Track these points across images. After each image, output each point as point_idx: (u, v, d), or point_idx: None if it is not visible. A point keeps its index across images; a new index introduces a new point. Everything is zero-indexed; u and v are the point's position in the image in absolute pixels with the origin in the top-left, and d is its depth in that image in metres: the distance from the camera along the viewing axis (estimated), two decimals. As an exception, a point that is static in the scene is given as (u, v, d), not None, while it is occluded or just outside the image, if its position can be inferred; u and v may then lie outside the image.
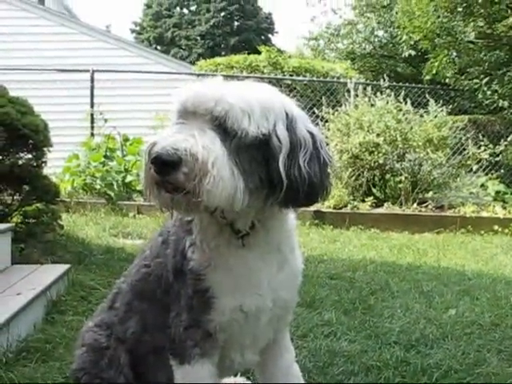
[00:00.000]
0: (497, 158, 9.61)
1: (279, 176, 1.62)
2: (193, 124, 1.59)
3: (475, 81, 10.29)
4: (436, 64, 10.90)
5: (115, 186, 8.40)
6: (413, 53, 12.52)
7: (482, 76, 10.38)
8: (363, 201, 8.45)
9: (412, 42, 12.25)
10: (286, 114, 1.68)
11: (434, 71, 10.98)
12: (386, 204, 8.47)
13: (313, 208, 7.58)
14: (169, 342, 1.90)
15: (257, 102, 1.63)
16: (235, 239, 1.81)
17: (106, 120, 9.70)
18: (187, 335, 1.85)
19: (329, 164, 1.72)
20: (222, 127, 1.59)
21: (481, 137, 9.62)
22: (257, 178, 1.64)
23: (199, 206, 1.57)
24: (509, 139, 9.60)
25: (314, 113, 9.21)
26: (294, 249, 1.96)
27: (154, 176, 1.56)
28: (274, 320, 1.95)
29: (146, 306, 2.02)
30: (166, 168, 1.52)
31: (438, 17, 10.81)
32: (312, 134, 1.70)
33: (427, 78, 11.33)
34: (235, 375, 2.54)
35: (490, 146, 9.41)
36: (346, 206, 8.25)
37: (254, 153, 1.63)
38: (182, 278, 1.85)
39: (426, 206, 8.43)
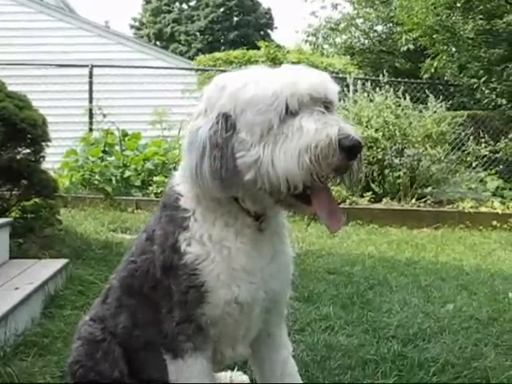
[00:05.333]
0: (497, 155, 9.58)
1: None
2: (322, 110, 1.73)
3: (474, 80, 10.27)
4: (435, 64, 10.88)
5: (114, 181, 8.41)
6: (411, 47, 12.51)
7: (480, 72, 10.36)
8: (362, 196, 8.46)
9: (411, 39, 12.26)
10: None
11: (433, 70, 10.96)
12: (384, 199, 8.47)
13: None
14: (161, 337, 1.91)
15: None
16: (247, 229, 1.85)
17: (104, 115, 9.69)
18: (179, 330, 1.86)
19: None
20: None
21: (480, 132, 9.61)
22: None
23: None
24: (510, 136, 9.58)
25: (312, 108, 9.16)
26: (287, 236, 2.04)
27: (338, 162, 1.66)
28: (264, 311, 1.96)
29: (134, 302, 2.02)
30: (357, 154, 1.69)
31: (438, 15, 10.79)
32: None
33: (426, 75, 11.31)
34: (232, 369, 2.54)
35: (491, 142, 9.40)
36: (344, 201, 8.23)
37: None
38: (172, 274, 1.85)
39: (425, 202, 8.43)
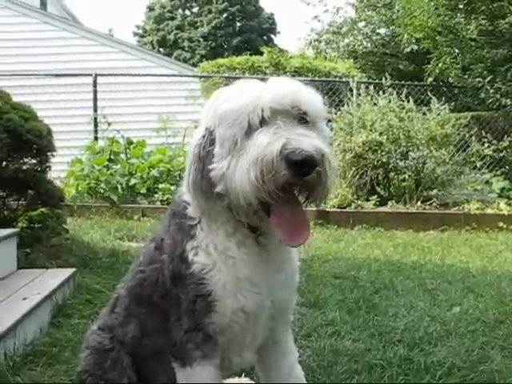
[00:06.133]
0: (501, 154, 9.57)
1: None
2: (291, 123, 1.69)
3: (478, 79, 10.24)
4: (439, 65, 10.86)
5: (119, 190, 8.42)
6: (415, 47, 12.50)
7: (484, 73, 10.33)
8: (367, 200, 8.46)
9: (414, 40, 12.26)
10: None
11: (437, 71, 10.93)
12: (390, 202, 8.46)
13: (317, 207, 7.60)
14: (170, 346, 1.92)
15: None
16: (248, 240, 1.86)
17: (109, 124, 9.72)
18: (188, 338, 1.88)
19: None
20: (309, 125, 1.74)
21: (484, 133, 9.59)
22: None
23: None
24: (512, 134, 9.56)
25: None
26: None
27: (284, 178, 1.62)
28: (270, 319, 1.98)
29: (143, 311, 2.05)
30: (310, 169, 1.62)
31: (439, 15, 10.78)
32: None
33: (430, 79, 11.28)
34: (239, 375, 2.56)
35: (494, 142, 9.40)
36: (350, 205, 8.26)
37: None
38: (181, 283, 1.87)
39: (431, 204, 8.42)
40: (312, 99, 1.78)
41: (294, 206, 1.74)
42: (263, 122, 1.68)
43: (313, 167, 1.61)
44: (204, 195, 1.78)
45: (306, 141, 1.62)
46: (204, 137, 1.79)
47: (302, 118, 1.73)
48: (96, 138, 10.28)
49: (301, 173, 1.61)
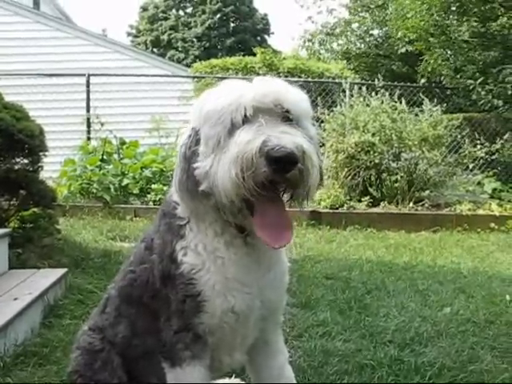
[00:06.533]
0: (493, 157, 9.61)
1: None
2: (274, 121, 1.69)
3: (470, 81, 10.28)
4: (431, 62, 10.89)
5: (112, 190, 8.41)
6: (409, 48, 12.52)
7: (476, 74, 10.38)
8: (360, 200, 8.48)
9: (407, 40, 12.29)
10: None
11: (430, 69, 10.96)
12: (382, 203, 8.47)
13: (309, 208, 7.62)
14: (160, 346, 1.93)
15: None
16: (236, 239, 1.87)
17: (102, 124, 9.71)
18: (177, 338, 1.88)
19: None
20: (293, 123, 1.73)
21: (476, 135, 9.63)
22: None
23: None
24: (505, 137, 9.59)
25: (309, 113, 9.19)
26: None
27: (264, 174, 1.62)
28: (260, 319, 1.98)
29: (133, 311, 2.05)
30: (290, 166, 1.61)
31: (432, 15, 10.82)
32: None
33: (422, 80, 11.32)
34: (230, 376, 2.56)
35: (486, 144, 9.42)
36: (342, 205, 8.27)
37: None
38: (170, 283, 1.87)
39: (423, 205, 8.44)
40: (295, 98, 1.78)
41: (277, 206, 1.73)
42: (246, 121, 1.68)
43: (293, 164, 1.61)
44: (190, 194, 1.78)
45: (287, 138, 1.61)
46: (190, 136, 1.80)
47: (286, 117, 1.73)
48: (89, 138, 10.27)
49: (281, 170, 1.60)
